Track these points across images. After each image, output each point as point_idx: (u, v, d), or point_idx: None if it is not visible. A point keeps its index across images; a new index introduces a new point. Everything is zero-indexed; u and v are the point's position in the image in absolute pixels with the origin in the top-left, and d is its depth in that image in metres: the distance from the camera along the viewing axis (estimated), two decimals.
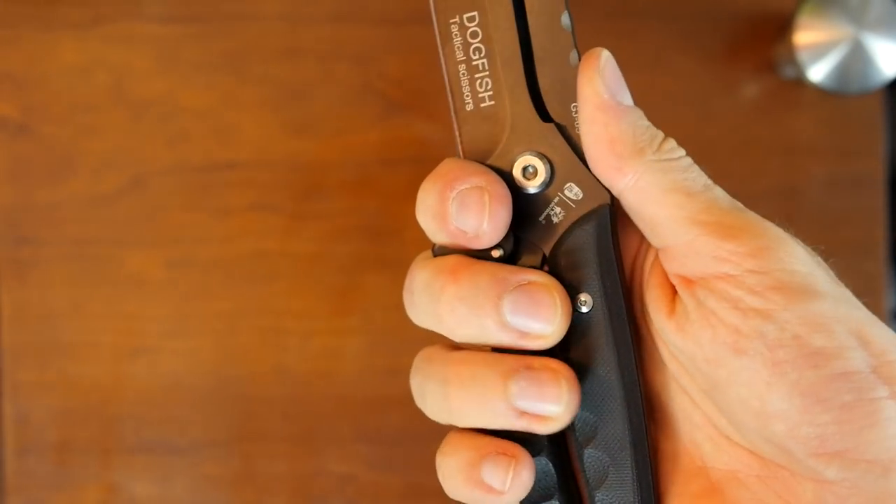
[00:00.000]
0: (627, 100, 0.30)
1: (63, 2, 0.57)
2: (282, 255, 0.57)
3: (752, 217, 0.30)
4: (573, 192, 0.31)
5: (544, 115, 0.31)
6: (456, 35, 0.32)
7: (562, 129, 0.31)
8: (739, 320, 0.28)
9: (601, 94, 0.30)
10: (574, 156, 0.31)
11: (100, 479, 0.57)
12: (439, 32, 0.33)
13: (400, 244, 0.57)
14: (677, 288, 0.30)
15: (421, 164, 0.60)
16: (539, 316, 0.30)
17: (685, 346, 0.30)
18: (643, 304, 0.32)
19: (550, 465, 0.32)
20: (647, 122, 0.30)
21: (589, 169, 0.31)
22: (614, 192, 0.31)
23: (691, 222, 0.29)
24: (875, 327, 0.28)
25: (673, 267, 0.30)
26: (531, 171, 0.31)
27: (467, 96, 0.32)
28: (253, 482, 0.57)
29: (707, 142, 0.57)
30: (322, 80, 0.57)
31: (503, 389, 0.30)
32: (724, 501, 0.31)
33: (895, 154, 0.59)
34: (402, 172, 0.57)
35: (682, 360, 0.31)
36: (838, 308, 0.28)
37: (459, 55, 0.32)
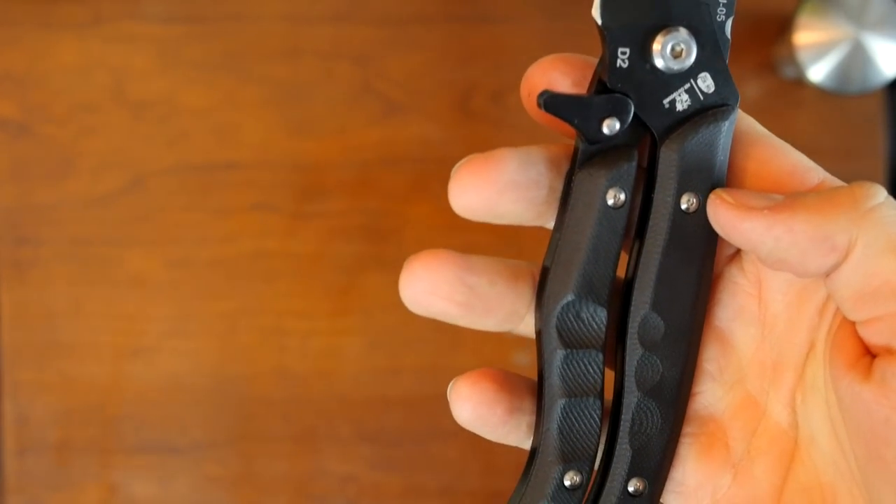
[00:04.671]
0: (773, 196, 0.27)
1: (63, 1, 0.57)
2: (282, 255, 0.57)
3: None
4: (706, 82, 0.29)
5: None
6: None
7: (710, 11, 0.29)
8: None
9: (761, 213, 0.27)
10: (717, 44, 0.29)
11: (100, 479, 0.57)
12: None
13: (400, 244, 0.57)
14: (873, 353, 0.27)
15: (421, 164, 0.60)
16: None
17: (856, 406, 0.27)
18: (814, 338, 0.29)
19: (601, 358, 0.30)
20: (814, 191, 0.27)
21: (725, 62, 0.29)
22: (822, 274, 0.27)
23: None
24: None
25: (873, 336, 0.27)
26: (679, 49, 0.29)
27: None
28: (253, 482, 0.57)
29: None
30: (322, 80, 0.57)
31: None
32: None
33: (895, 154, 0.59)
34: (402, 172, 0.57)
35: (845, 415, 0.28)
36: None
37: None
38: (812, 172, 0.29)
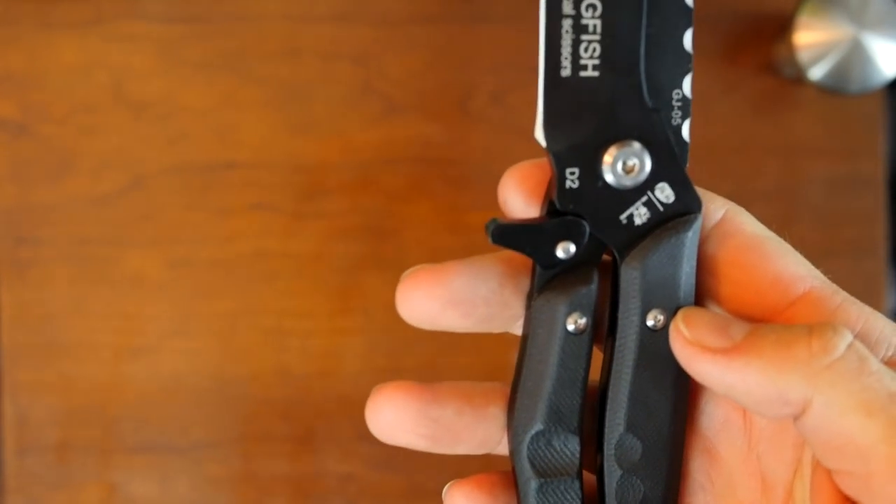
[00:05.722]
0: (735, 331, 0.26)
1: (63, 1, 0.57)
2: (282, 255, 0.57)
3: None
4: (665, 193, 0.28)
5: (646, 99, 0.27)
6: None
7: (662, 119, 0.28)
8: None
9: (713, 359, 0.26)
10: (673, 152, 0.27)
11: (100, 479, 0.57)
12: None
13: (400, 244, 0.57)
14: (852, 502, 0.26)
15: (421, 164, 0.60)
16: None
17: None
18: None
19: (578, 484, 0.29)
20: (774, 332, 0.26)
21: (684, 169, 0.28)
22: (781, 420, 0.27)
23: (871, 453, 0.24)
24: None
25: (846, 489, 0.26)
26: (631, 165, 0.27)
27: (566, 59, 0.27)
28: (253, 482, 0.57)
29: (707, 142, 0.57)
30: (322, 80, 0.57)
31: None
32: None
33: (895, 154, 0.59)
34: (402, 172, 0.57)
35: None
36: None
37: (568, 8, 0.26)
38: (798, 283, 0.28)
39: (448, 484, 0.31)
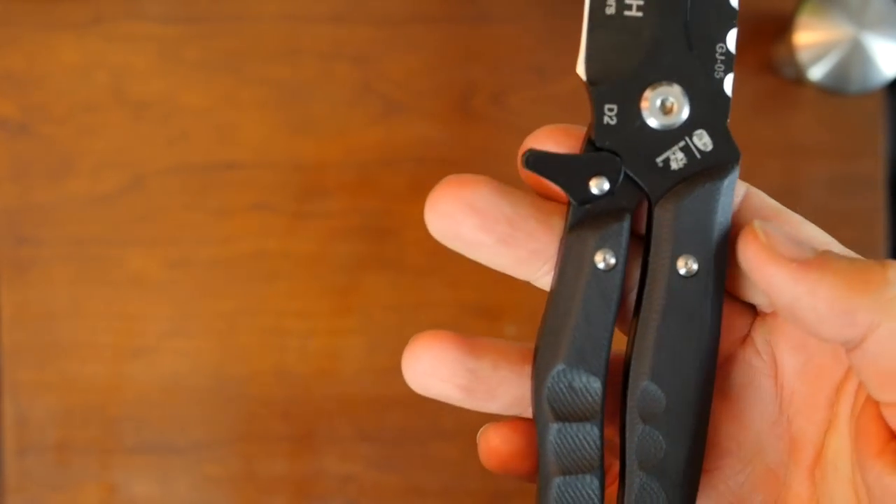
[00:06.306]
0: (808, 249, 0.27)
1: (63, 1, 0.57)
2: (282, 255, 0.57)
3: None
4: (703, 140, 0.28)
5: (689, 47, 0.28)
6: None
7: (704, 67, 0.28)
8: None
9: (788, 266, 0.26)
10: (714, 101, 0.28)
11: (100, 479, 0.57)
12: None
13: (400, 244, 0.57)
14: None
15: (421, 164, 0.60)
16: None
17: (886, 499, 0.26)
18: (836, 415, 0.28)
19: (597, 433, 0.28)
20: (847, 259, 0.26)
21: (724, 120, 0.28)
22: (835, 342, 0.27)
23: None
24: None
25: None
26: (669, 104, 0.27)
27: None
28: (253, 482, 0.57)
29: None
30: (322, 80, 0.57)
31: None
32: None
33: (895, 154, 0.59)
34: (402, 172, 0.57)
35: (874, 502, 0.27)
36: None
37: None
38: (828, 248, 0.28)
39: (484, 426, 0.31)
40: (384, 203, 0.57)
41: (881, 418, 0.27)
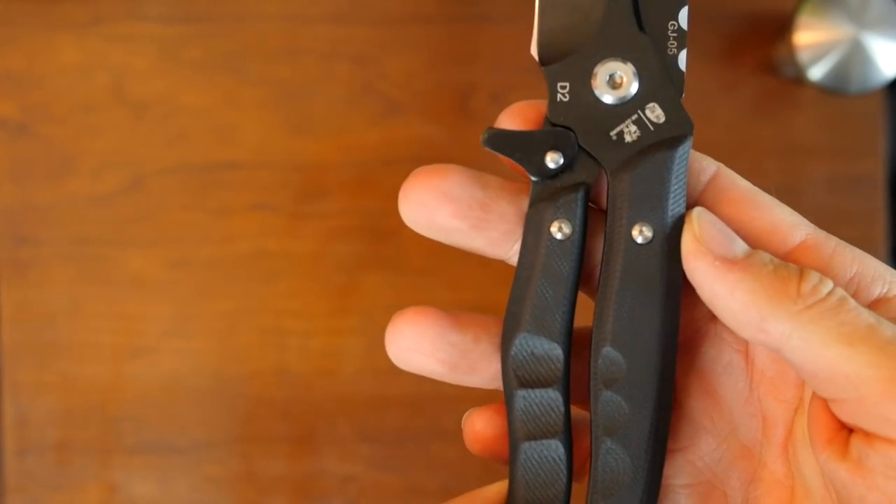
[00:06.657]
0: (737, 247, 0.27)
1: (63, 1, 0.57)
2: (282, 255, 0.57)
3: None
4: (655, 113, 0.29)
5: (639, 26, 0.29)
6: None
7: (656, 45, 0.29)
8: None
9: (712, 263, 0.27)
10: (665, 75, 0.29)
11: (100, 479, 0.57)
12: None
13: (400, 244, 0.57)
14: (848, 427, 0.27)
15: (421, 164, 0.60)
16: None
17: (835, 482, 0.27)
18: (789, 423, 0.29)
19: (561, 399, 0.29)
20: (772, 264, 0.27)
21: (678, 93, 0.29)
22: (754, 342, 0.28)
23: (859, 379, 0.25)
24: None
25: (842, 416, 0.27)
26: (618, 79, 0.29)
27: None
28: (253, 482, 0.57)
29: (707, 142, 0.56)
30: (322, 80, 0.57)
31: None
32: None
33: (895, 154, 0.59)
34: (402, 172, 0.57)
35: (828, 485, 0.28)
36: None
37: None
38: (794, 231, 0.29)
39: (468, 411, 0.31)
40: (384, 203, 0.57)
41: (829, 409, 0.27)
